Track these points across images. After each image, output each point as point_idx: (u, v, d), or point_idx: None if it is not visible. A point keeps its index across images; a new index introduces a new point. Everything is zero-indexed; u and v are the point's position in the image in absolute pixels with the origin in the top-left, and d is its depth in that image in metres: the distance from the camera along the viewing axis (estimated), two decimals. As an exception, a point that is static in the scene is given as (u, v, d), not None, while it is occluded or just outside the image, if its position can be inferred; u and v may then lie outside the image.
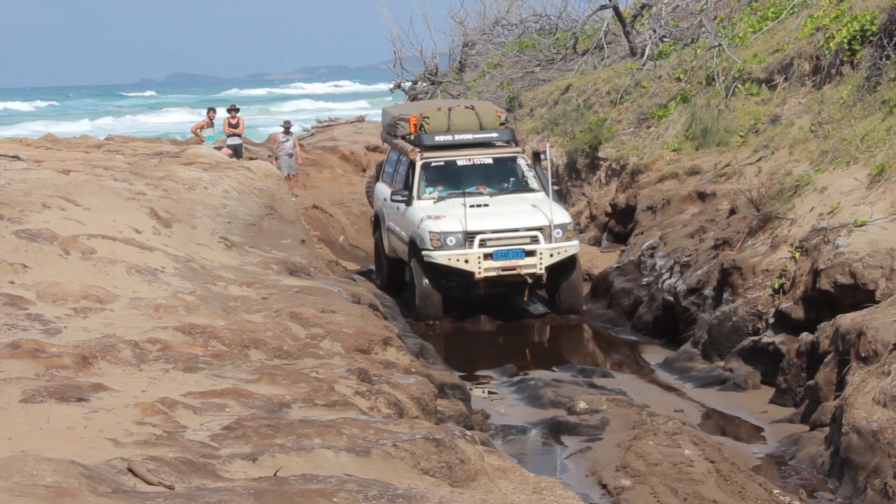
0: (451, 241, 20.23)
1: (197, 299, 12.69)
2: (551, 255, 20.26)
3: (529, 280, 20.41)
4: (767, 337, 15.85)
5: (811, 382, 13.91)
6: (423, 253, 20.42)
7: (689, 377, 16.70)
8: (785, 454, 13.13)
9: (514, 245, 20.26)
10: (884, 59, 19.25)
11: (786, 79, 22.53)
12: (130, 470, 7.25)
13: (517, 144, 22.56)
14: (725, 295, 17.11)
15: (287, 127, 33.20)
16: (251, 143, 43.42)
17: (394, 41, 45.90)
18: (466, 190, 21.24)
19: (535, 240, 20.30)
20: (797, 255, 16.15)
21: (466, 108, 22.48)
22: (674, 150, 23.43)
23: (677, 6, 31.44)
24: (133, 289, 12.73)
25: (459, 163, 21.73)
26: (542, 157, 21.30)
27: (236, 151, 31.57)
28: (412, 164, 21.73)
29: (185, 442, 8.23)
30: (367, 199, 25.76)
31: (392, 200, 21.60)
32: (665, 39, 29.44)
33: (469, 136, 21.93)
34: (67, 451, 7.54)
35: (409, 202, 21.33)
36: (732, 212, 18.95)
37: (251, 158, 28.79)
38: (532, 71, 35.32)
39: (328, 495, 7.08)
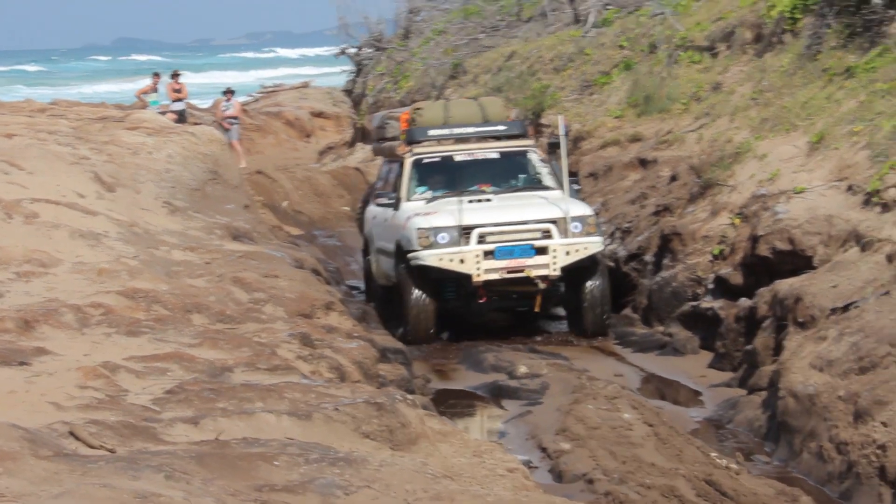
0: (442, 237, 16.63)
1: (140, 264, 12.67)
2: (567, 253, 16.67)
3: (542, 285, 16.76)
4: (706, 302, 16.02)
5: (749, 347, 14.10)
6: (410, 256, 16.78)
7: (629, 342, 16.84)
8: (723, 418, 13.31)
9: (522, 241, 16.72)
10: (825, 28, 19.36)
11: (728, 47, 22.62)
12: (72, 433, 7.28)
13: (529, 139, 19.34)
14: (666, 261, 17.27)
15: (228, 95, 33.02)
16: (196, 109, 43.31)
17: (339, 7, 45.81)
18: (467, 189, 17.90)
19: (547, 234, 16.75)
20: (737, 221, 16.32)
21: (468, 98, 20.27)
22: (616, 118, 23.49)
23: (621, -27, 31.46)
24: (76, 253, 12.69)
25: (457, 158, 18.25)
26: (565, 131, 18.20)
27: (181, 116, 31.47)
28: (401, 164, 18.25)
29: (127, 406, 8.26)
30: (358, 229, 21.42)
31: (378, 206, 18.44)
32: (609, 7, 29.43)
33: (470, 130, 18.53)
34: (9, 415, 7.54)
35: (396, 206, 17.81)
36: (673, 178, 19.06)
37: (196, 123, 28.68)
38: (477, 38, 35.23)
39: (269, 458, 7.14)
